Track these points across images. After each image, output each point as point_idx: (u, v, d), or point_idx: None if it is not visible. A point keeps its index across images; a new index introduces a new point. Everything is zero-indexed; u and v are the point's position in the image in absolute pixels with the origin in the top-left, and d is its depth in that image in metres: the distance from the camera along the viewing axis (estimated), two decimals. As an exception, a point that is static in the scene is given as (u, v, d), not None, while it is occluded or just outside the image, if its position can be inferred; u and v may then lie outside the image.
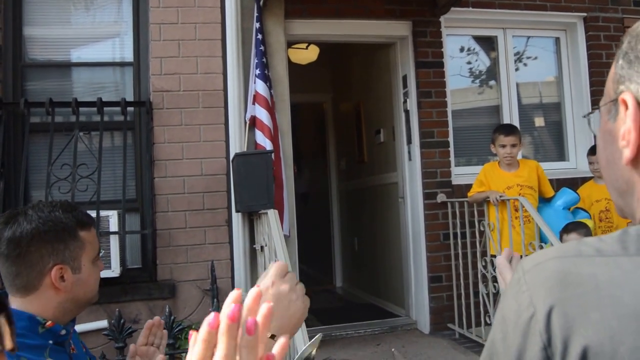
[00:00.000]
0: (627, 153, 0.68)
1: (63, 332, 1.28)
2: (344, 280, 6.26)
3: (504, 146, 3.55)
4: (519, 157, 3.80)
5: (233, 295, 0.53)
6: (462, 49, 4.60)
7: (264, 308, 0.53)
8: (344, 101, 6.01)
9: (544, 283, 0.62)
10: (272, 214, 2.97)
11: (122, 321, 2.46)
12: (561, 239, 3.14)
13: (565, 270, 0.61)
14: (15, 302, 1.26)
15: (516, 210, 3.43)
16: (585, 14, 4.59)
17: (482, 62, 4.69)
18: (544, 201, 3.71)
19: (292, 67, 4.30)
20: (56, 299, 1.27)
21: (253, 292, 0.55)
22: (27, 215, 1.28)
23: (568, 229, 3.15)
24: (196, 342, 0.51)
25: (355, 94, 5.59)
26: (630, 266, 0.59)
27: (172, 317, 2.55)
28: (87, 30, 3.90)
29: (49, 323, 1.24)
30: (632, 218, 0.72)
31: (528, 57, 4.74)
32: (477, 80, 4.68)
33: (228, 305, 0.51)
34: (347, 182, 6.08)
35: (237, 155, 3.49)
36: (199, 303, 3.65)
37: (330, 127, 6.47)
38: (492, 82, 4.65)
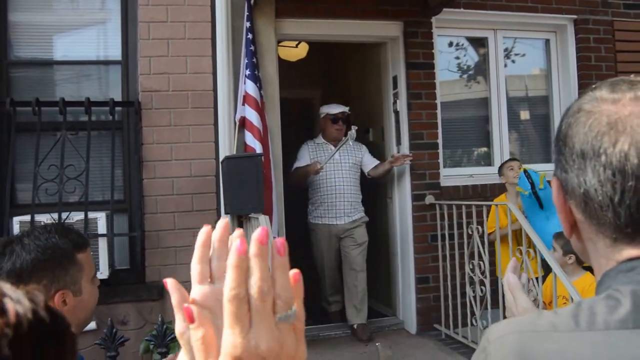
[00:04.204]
0: (564, 232, 0.76)
1: None
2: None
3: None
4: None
5: (237, 233, 0.52)
6: (450, 45, 4.59)
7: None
8: (333, 98, 5.96)
9: (503, 357, 0.65)
10: (264, 219, 2.97)
11: (114, 330, 2.46)
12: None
13: (523, 345, 0.64)
14: None
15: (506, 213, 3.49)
16: (575, 16, 4.61)
17: (472, 62, 4.69)
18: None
19: (281, 62, 4.26)
20: None
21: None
22: (24, 244, 1.27)
23: (555, 236, 3.21)
24: (226, 270, 0.50)
25: (345, 92, 5.56)
26: (581, 342, 0.61)
27: (165, 326, 2.56)
28: (73, 26, 3.83)
29: None
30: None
31: (516, 54, 4.76)
32: (467, 85, 4.68)
33: (235, 239, 0.50)
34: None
35: (226, 158, 3.46)
36: (187, 304, 3.66)
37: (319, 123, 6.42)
38: (482, 88, 4.66)
